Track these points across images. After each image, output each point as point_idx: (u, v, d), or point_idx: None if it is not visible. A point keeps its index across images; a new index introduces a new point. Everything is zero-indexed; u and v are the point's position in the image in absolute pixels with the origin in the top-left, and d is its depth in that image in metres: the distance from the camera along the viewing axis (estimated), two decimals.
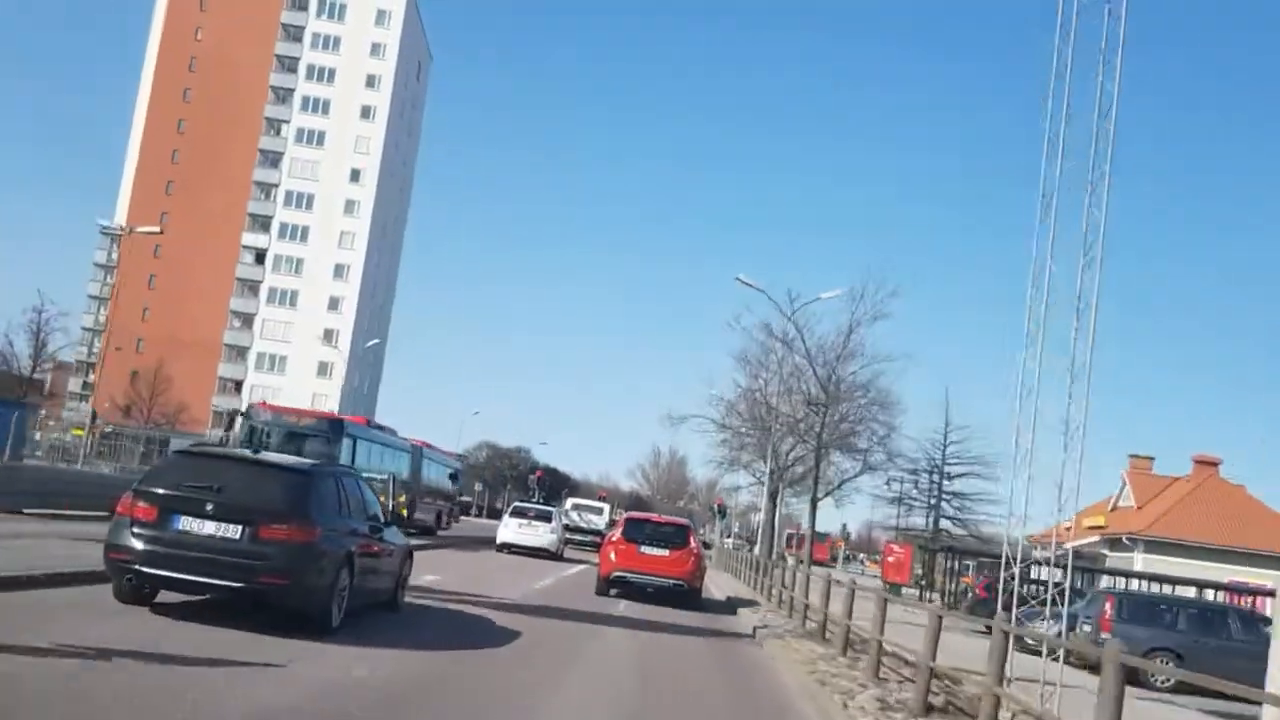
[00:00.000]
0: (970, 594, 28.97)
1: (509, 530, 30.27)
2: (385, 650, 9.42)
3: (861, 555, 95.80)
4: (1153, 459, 49.33)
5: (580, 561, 30.97)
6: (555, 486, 69.96)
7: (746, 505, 50.92)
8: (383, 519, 11.57)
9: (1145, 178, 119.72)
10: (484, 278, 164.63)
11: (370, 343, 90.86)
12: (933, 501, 56.64)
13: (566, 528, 37.29)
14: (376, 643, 9.65)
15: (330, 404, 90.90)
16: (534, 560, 27.93)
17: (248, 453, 10.65)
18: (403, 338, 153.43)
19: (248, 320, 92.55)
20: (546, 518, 31.25)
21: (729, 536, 60.49)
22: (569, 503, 49.22)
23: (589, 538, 42.88)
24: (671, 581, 19.25)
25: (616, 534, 20.30)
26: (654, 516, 24.04)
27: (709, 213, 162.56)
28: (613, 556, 19.41)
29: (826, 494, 46.18)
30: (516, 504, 36.21)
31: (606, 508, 50.39)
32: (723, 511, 52.03)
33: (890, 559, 46.97)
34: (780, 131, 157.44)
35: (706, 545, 43.59)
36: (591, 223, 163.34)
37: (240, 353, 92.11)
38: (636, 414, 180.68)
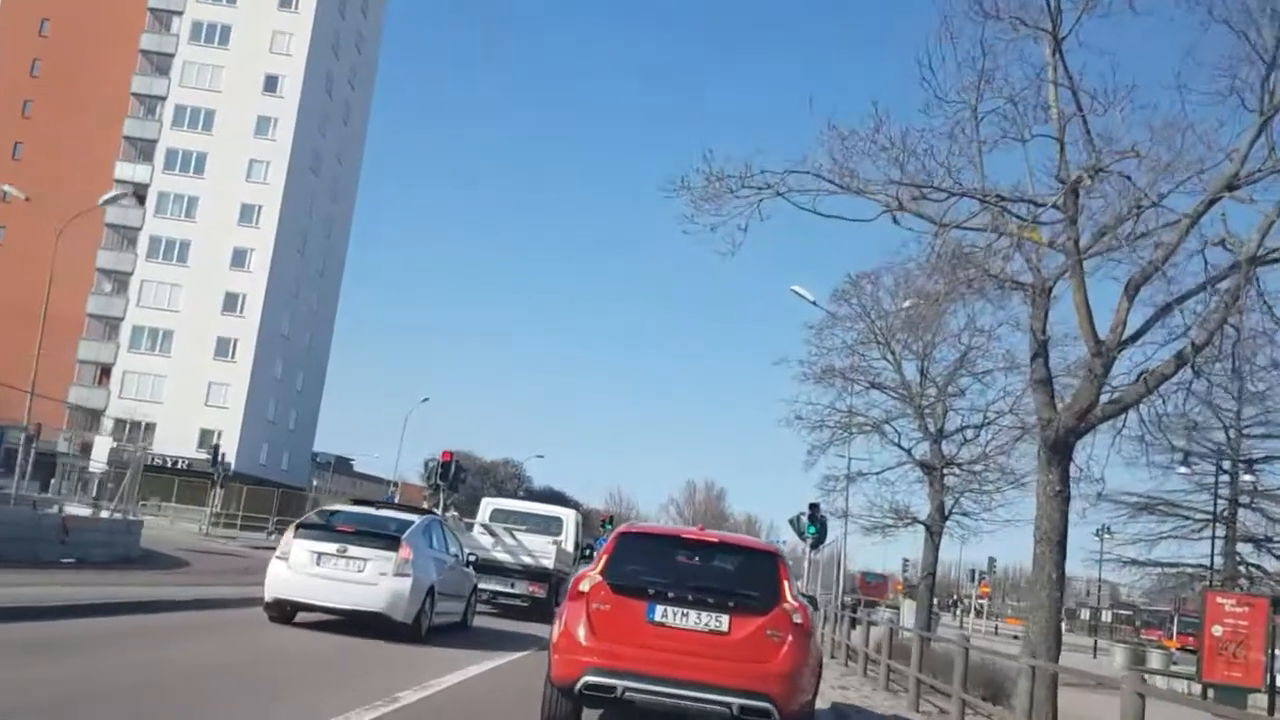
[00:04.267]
0: None
1: (290, 568, 12.38)
2: None
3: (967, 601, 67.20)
4: None
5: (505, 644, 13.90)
6: (530, 494, 42.21)
7: (887, 515, 22.25)
8: None
9: None
10: (476, 255, 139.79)
11: (289, 319, 65.69)
12: (1223, 509, 29.83)
13: (480, 564, 17.88)
14: None
15: (234, 395, 65.56)
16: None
17: None
18: (363, 321, 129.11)
19: (122, 282, 67.71)
20: (390, 540, 12.66)
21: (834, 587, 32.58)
22: (487, 509, 23.05)
23: (516, 588, 21.10)
24: (737, 701, 6.88)
25: (594, 571, 7.56)
26: (685, 531, 8.61)
27: None
28: (581, 635, 7.24)
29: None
30: (320, 509, 16.17)
31: (570, 519, 23.92)
32: (819, 527, 24.06)
33: (1216, 630, 20.24)
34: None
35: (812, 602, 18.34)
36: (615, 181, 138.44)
37: (111, 326, 67.19)
38: (675, 438, 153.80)
